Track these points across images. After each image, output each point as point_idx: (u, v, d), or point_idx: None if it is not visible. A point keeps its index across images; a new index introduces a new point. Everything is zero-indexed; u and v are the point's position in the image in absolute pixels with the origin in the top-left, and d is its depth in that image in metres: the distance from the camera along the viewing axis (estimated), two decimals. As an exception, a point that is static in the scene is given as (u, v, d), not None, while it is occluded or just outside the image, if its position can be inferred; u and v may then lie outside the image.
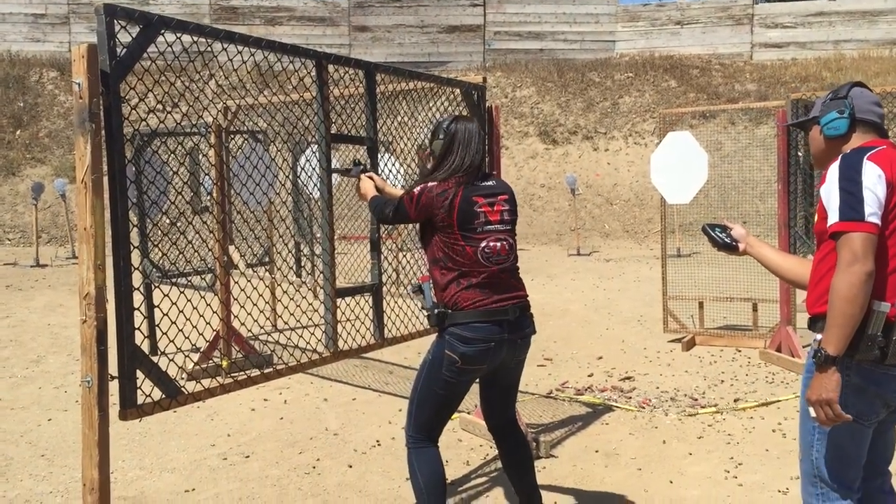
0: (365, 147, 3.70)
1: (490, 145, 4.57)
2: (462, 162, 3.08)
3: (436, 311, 3.06)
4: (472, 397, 5.38)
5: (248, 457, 4.48)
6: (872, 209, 2.25)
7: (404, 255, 6.23)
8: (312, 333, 3.77)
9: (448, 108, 4.69)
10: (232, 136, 6.63)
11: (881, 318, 2.25)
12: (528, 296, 3.30)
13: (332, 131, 3.48)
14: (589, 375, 6.26)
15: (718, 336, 7.24)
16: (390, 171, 7.38)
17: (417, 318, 4.26)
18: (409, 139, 4.61)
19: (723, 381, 5.99)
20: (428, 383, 3.11)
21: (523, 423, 4.54)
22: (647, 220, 16.67)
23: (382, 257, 4.40)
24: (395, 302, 4.41)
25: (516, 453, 3.35)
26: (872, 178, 2.28)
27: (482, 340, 3.01)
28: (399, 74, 3.78)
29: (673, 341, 7.28)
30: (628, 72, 20.85)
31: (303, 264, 8.63)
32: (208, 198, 6.65)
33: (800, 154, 6.50)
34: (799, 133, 6.46)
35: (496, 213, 3.12)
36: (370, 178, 3.42)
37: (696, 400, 5.52)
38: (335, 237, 9.76)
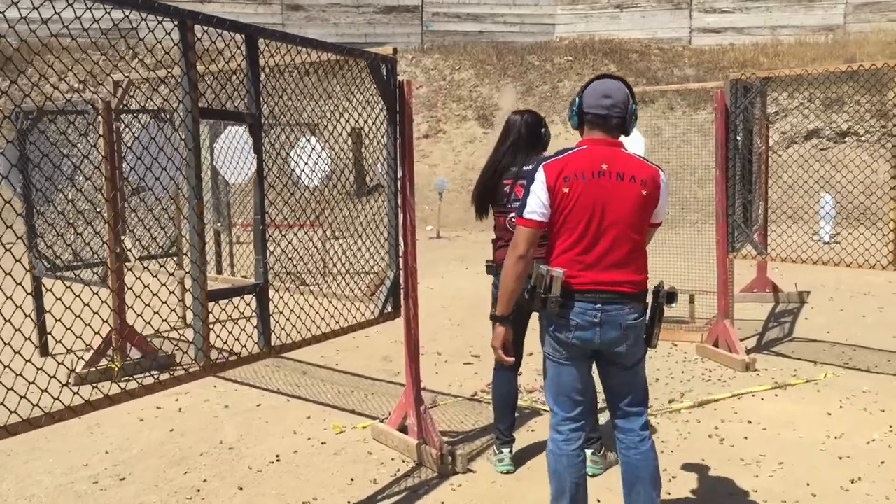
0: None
1: (401, 125, 4.08)
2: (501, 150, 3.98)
3: (488, 264, 4.06)
4: (387, 402, 5.01)
5: (123, 479, 3.94)
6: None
7: (332, 244, 5.73)
8: (230, 331, 3.24)
9: (357, 82, 4.20)
10: (134, 115, 6.03)
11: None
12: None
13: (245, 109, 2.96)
14: (518, 374, 5.83)
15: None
16: (311, 152, 6.83)
17: (323, 319, 3.77)
18: (321, 117, 4.12)
19: (658, 378, 5.63)
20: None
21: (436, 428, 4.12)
22: (587, 206, 16.42)
23: (311, 245, 3.93)
24: (303, 301, 3.92)
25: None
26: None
27: None
28: (287, 41, 3.26)
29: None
30: (568, 55, 20.52)
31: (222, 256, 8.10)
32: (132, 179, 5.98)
33: (738, 139, 6.16)
34: (738, 117, 6.12)
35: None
36: None
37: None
38: (240, 226, 9.09)
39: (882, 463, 4.03)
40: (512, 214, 3.55)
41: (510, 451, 4.09)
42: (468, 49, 20.94)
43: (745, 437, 4.43)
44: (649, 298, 3.02)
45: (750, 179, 6.74)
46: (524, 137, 3.97)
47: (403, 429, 4.33)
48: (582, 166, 2.87)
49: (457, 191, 17.30)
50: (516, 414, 4.24)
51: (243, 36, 3.08)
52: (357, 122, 4.16)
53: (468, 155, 18.38)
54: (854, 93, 16.44)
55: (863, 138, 16.71)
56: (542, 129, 4.11)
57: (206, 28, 2.88)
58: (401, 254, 4.14)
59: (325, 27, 20.98)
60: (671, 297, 3.00)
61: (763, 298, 8.30)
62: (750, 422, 4.70)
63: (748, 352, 6.12)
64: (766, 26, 20.78)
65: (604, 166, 2.88)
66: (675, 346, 6.57)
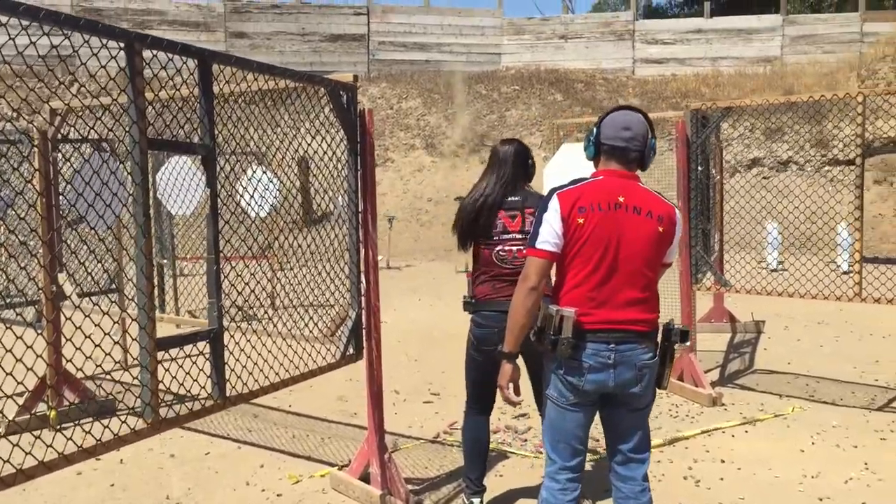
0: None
1: (362, 154, 3.87)
2: (490, 180, 3.79)
3: (465, 300, 3.82)
4: (345, 446, 4.73)
5: (59, 545, 3.59)
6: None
7: (284, 274, 5.46)
8: (181, 382, 2.95)
9: (315, 111, 3.97)
10: (73, 144, 5.68)
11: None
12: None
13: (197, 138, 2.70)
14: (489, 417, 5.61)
15: (616, 362, 6.76)
16: (259, 182, 6.54)
17: (282, 365, 3.51)
18: (277, 147, 3.87)
19: (625, 415, 5.46)
20: (466, 359, 3.90)
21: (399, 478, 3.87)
22: (536, 234, 16.37)
23: (257, 280, 3.66)
24: (258, 342, 3.64)
25: None
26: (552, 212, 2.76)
27: (488, 326, 3.64)
28: (243, 67, 3.02)
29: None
30: (514, 85, 20.62)
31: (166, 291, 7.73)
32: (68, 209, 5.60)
33: (699, 169, 6.10)
34: (698, 147, 6.07)
35: (517, 224, 3.68)
36: None
37: (598, 441, 4.96)
38: (185, 259, 8.73)
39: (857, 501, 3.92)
40: (499, 247, 3.63)
41: (481, 502, 3.86)
42: (415, 78, 20.90)
43: (721, 479, 4.28)
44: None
45: (708, 208, 6.70)
46: (513, 168, 3.79)
47: (365, 477, 4.06)
48: (598, 197, 2.74)
49: (406, 220, 17.11)
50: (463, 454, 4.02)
51: (196, 61, 2.84)
52: (306, 150, 3.93)
53: (416, 184, 18.24)
54: (793, 123, 16.79)
55: (803, 167, 17.06)
56: (530, 161, 3.94)
57: (154, 53, 2.63)
58: (363, 292, 3.91)
59: (270, 55, 20.71)
60: (684, 335, 2.85)
61: (720, 329, 8.26)
62: (723, 461, 4.56)
63: (713, 385, 6.01)
64: (706, 57, 21.21)
65: (621, 199, 2.75)
66: (638, 379, 6.42)
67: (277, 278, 7.13)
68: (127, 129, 2.56)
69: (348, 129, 3.79)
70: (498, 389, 2.96)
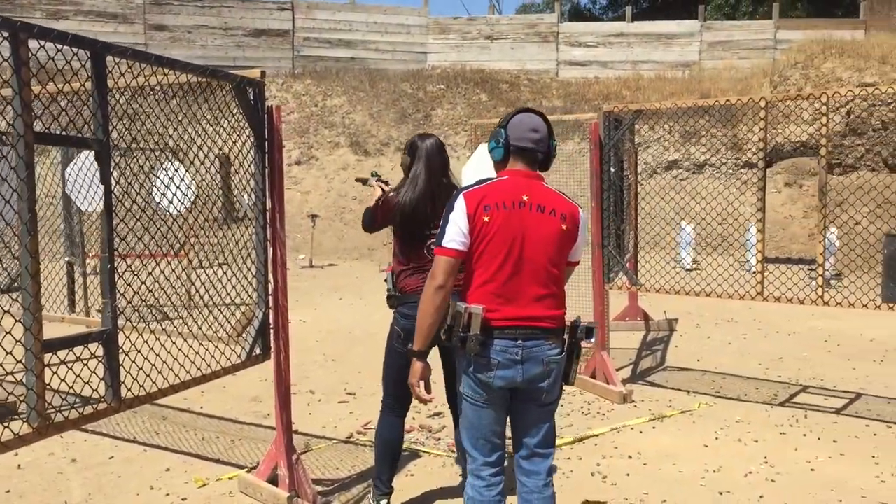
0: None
1: (270, 152, 3.81)
2: (422, 176, 3.74)
3: (389, 293, 3.80)
4: (256, 448, 4.64)
5: (-56, 556, 3.43)
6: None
7: (200, 273, 5.32)
8: (70, 384, 2.83)
9: (223, 106, 3.89)
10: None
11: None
12: None
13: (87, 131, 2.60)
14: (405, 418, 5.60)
15: (532, 361, 6.83)
16: (180, 179, 6.39)
17: (182, 366, 3.42)
18: (197, 144, 3.77)
19: (538, 413, 5.53)
20: (386, 355, 3.89)
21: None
22: (460, 233, 16.41)
23: (176, 276, 3.55)
24: (160, 343, 3.53)
25: None
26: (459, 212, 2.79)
27: (414, 317, 3.22)
28: (140, 60, 2.93)
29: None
30: (440, 84, 20.64)
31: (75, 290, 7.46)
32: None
33: (612, 170, 6.21)
34: (611, 149, 6.17)
35: None
36: (380, 187, 3.93)
37: (509, 438, 5.00)
38: (95, 257, 8.42)
39: (761, 497, 4.04)
40: (431, 241, 3.54)
41: None
42: (340, 75, 20.73)
43: (628, 474, 4.36)
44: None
45: (622, 209, 6.83)
46: (440, 161, 3.83)
47: (274, 479, 4.00)
48: (503, 196, 2.79)
49: (330, 219, 16.96)
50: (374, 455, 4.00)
51: (88, 53, 2.74)
52: (222, 147, 3.85)
53: (341, 182, 18.08)
54: (710, 126, 17.28)
55: (719, 169, 17.55)
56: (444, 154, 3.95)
57: (42, 43, 2.53)
58: (270, 291, 3.84)
59: (192, 49, 20.25)
60: (589, 332, 2.89)
61: (635, 327, 8.43)
62: (631, 457, 4.65)
63: (624, 382, 6.13)
64: (627, 61, 21.63)
65: (525, 197, 2.80)
66: (553, 377, 6.50)
67: (189, 277, 6.99)
68: (11, 122, 2.45)
69: (256, 126, 3.73)
70: (410, 388, 2.97)
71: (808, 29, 20.38)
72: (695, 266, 12.85)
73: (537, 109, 2.99)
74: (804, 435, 5.04)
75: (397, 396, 3.81)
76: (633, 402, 5.78)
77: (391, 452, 3.84)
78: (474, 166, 6.79)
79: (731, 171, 17.36)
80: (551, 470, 2.98)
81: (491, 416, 2.87)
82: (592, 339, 2.96)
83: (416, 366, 2.91)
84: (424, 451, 4.76)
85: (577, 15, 30.37)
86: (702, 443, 4.89)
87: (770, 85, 18.50)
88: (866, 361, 7.09)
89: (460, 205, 2.78)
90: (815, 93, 5.28)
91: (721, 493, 4.10)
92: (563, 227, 2.83)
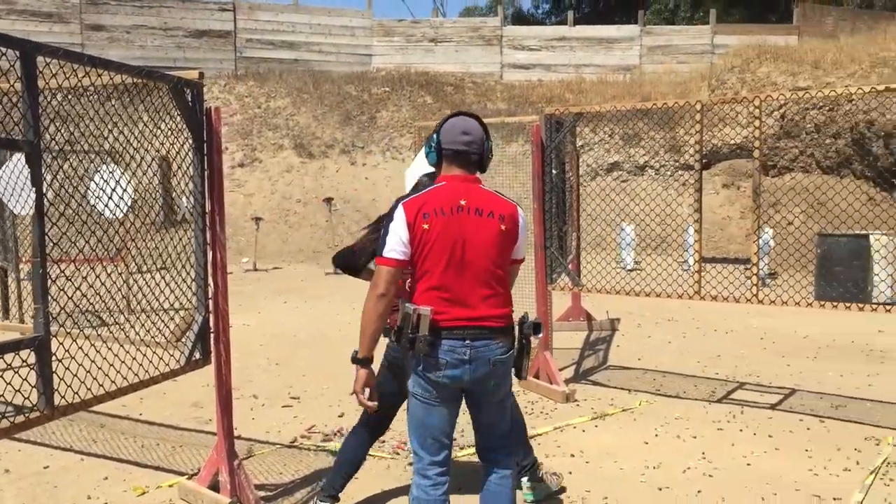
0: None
1: (209, 154, 3.76)
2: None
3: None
4: (198, 454, 4.57)
5: None
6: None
7: (140, 278, 5.21)
8: (9, 382, 2.75)
9: (164, 108, 3.83)
10: None
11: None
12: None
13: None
14: (340, 416, 5.59)
15: (477, 362, 6.86)
16: (115, 182, 6.26)
17: (119, 371, 3.35)
18: (134, 146, 3.68)
19: (482, 414, 5.57)
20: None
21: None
22: (406, 236, 16.41)
23: (113, 281, 3.46)
24: (96, 349, 3.45)
25: None
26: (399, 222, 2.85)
27: None
28: (72, 60, 2.87)
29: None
30: (385, 86, 20.62)
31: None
32: None
33: (554, 172, 6.28)
34: (552, 151, 6.25)
35: None
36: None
37: (456, 440, 5.02)
38: (28, 261, 8.26)
39: (699, 492, 4.13)
40: None
41: None
42: (284, 77, 20.56)
43: (570, 472, 4.41)
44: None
45: (564, 211, 6.91)
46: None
47: (215, 486, 3.95)
48: (441, 202, 2.86)
49: (274, 221, 16.80)
50: (334, 461, 4.00)
51: (17, 53, 2.68)
52: (159, 150, 3.80)
53: (285, 185, 17.93)
54: (650, 129, 17.60)
55: (659, 172, 17.89)
56: None
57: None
58: (210, 295, 3.79)
59: (130, 49, 19.87)
60: (537, 327, 2.97)
61: (578, 327, 8.54)
62: (573, 455, 4.72)
63: (567, 382, 6.21)
64: (570, 64, 21.89)
65: (462, 202, 2.87)
66: (498, 378, 6.55)
67: (127, 282, 6.86)
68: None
69: (194, 128, 3.68)
70: (354, 395, 2.98)
71: (744, 34, 20.91)
72: (636, 266, 13.07)
73: (471, 112, 3.05)
74: (741, 430, 5.17)
75: (378, 417, 3.76)
76: (575, 401, 5.86)
77: (353, 468, 3.89)
78: (418, 170, 6.81)
79: (670, 173, 17.71)
80: (511, 462, 3.07)
81: (439, 416, 2.91)
82: (540, 334, 3.03)
83: (361, 373, 2.93)
84: (370, 455, 4.73)
85: (520, 19, 30.64)
86: (642, 440, 4.98)
87: (708, 88, 18.92)
88: (800, 358, 7.31)
89: (399, 214, 2.84)
90: (749, 96, 5.42)
91: (660, 489, 4.18)
92: (503, 227, 2.88)
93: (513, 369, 2.98)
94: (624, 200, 13.18)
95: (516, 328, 2.97)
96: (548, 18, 31.91)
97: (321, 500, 3.82)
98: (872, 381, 6.47)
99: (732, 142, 15.93)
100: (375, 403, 2.99)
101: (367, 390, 2.95)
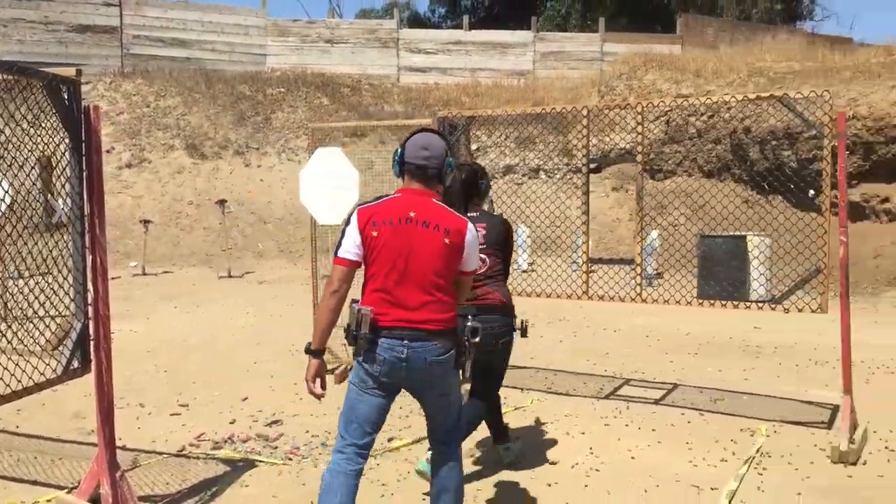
0: None
1: (88, 154, 3.62)
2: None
3: None
4: (79, 466, 4.36)
5: None
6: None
7: (15, 283, 4.97)
8: None
9: (45, 105, 3.66)
10: None
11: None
12: (494, 298, 4.24)
13: None
14: (231, 422, 5.47)
15: (372, 364, 6.86)
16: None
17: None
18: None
19: (377, 416, 5.58)
20: None
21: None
22: (303, 238, 16.17)
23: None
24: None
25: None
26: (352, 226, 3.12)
27: None
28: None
29: (326, 373, 6.73)
30: (280, 87, 20.33)
31: None
32: None
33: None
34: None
35: None
36: None
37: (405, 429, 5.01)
38: None
39: (586, 486, 4.26)
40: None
41: None
42: (174, 75, 19.98)
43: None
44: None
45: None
46: (462, 191, 4.21)
47: (96, 499, 3.81)
48: (391, 213, 3.10)
49: (164, 224, 16.30)
50: (225, 468, 3.92)
51: None
52: (39, 150, 3.64)
53: (176, 186, 17.42)
54: (543, 133, 18.00)
55: (551, 174, 18.31)
56: (481, 181, 4.43)
57: None
58: (90, 300, 3.66)
59: (8, 44, 18.91)
60: (474, 332, 3.17)
61: (473, 328, 8.63)
62: (467, 455, 4.76)
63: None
64: (466, 68, 22.15)
65: (412, 214, 3.09)
66: (393, 380, 6.57)
67: (5, 287, 6.54)
68: None
69: (71, 127, 3.54)
70: (305, 384, 3.17)
71: (631, 43, 21.65)
72: (530, 268, 13.32)
73: (435, 130, 3.35)
74: (626, 425, 5.36)
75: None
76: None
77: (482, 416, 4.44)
78: (312, 171, 6.75)
79: (562, 176, 18.15)
80: (458, 452, 3.32)
81: (369, 406, 3.12)
82: (477, 338, 3.19)
83: (312, 363, 3.15)
84: (261, 461, 4.68)
85: (417, 22, 30.78)
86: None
87: (598, 94, 19.50)
88: (682, 355, 7.63)
89: (354, 220, 3.12)
90: (632, 103, 5.63)
91: (549, 485, 4.29)
92: (446, 241, 3.09)
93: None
94: (518, 203, 13.46)
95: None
96: (444, 22, 32.17)
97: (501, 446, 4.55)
98: (748, 375, 6.83)
99: (622, 146, 16.47)
100: (323, 392, 3.20)
101: (318, 380, 3.16)
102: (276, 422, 5.46)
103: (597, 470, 4.52)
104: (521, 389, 6.28)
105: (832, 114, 4.93)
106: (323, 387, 3.18)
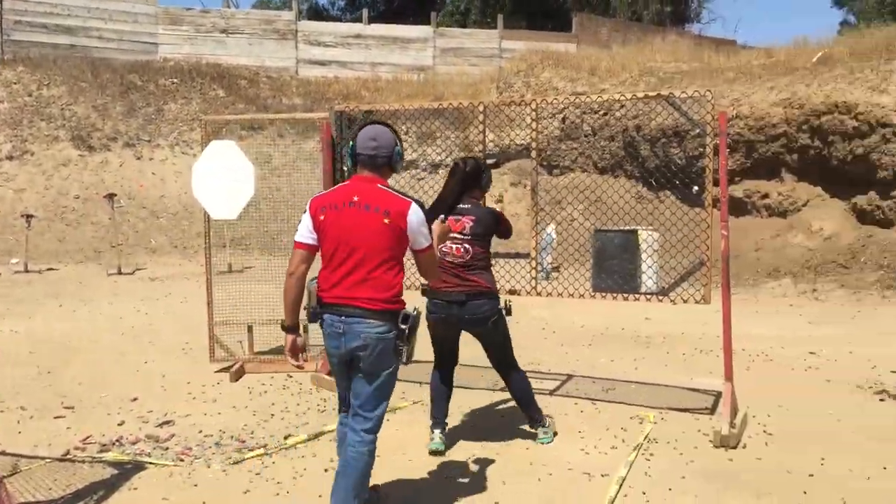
0: None
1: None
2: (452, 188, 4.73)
3: (421, 287, 4.60)
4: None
5: None
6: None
7: None
8: None
9: None
10: None
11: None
12: (480, 284, 4.68)
13: None
14: (119, 424, 5.29)
15: (269, 362, 6.76)
16: None
17: None
18: None
19: (273, 414, 5.50)
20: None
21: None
22: (198, 233, 15.73)
23: None
24: None
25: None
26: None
27: (433, 312, 4.70)
28: None
29: (221, 371, 6.62)
30: (173, 77, 19.70)
31: None
32: None
33: (345, 168, 6.30)
34: (343, 147, 6.27)
35: (460, 226, 4.61)
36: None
37: (244, 442, 4.93)
38: None
39: (484, 478, 4.32)
40: (450, 245, 4.59)
41: None
42: (59, 63, 19.08)
43: (360, 467, 4.46)
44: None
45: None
46: (461, 183, 4.68)
47: (-28, 509, 3.62)
48: (338, 199, 3.45)
49: (49, 219, 15.58)
50: (113, 470, 3.79)
51: None
52: None
53: (61, 179, 16.67)
54: (444, 128, 18.11)
55: (453, 170, 18.41)
56: (483, 175, 4.82)
57: None
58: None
59: None
60: (405, 318, 3.43)
61: (372, 323, 8.61)
62: (363, 450, 4.76)
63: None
64: (366, 62, 22.03)
65: (355, 198, 3.41)
66: (291, 377, 6.50)
67: None
68: None
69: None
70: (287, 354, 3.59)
71: (529, 40, 22.01)
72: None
73: (384, 122, 3.58)
74: (522, 416, 5.45)
75: (445, 355, 5.00)
76: (367, 396, 5.91)
77: (444, 398, 4.95)
78: (206, 164, 6.59)
79: (463, 171, 18.29)
80: (371, 429, 3.53)
81: (338, 374, 3.55)
82: (405, 326, 3.42)
83: (287, 339, 3.58)
84: (151, 463, 4.54)
85: (316, 14, 30.36)
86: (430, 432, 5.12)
87: (497, 91, 19.75)
88: (577, 346, 7.83)
89: (307, 207, 3.49)
90: (528, 99, 5.73)
91: (446, 478, 4.33)
92: (385, 221, 3.36)
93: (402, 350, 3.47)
94: (419, 197, 13.45)
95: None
96: (343, 15, 31.87)
97: (434, 428, 4.72)
98: (638, 364, 7.07)
99: (519, 143, 16.73)
100: (303, 363, 3.72)
101: (299, 354, 3.59)
102: (167, 422, 5.32)
103: (493, 461, 4.59)
104: (419, 383, 6.29)
105: (715, 113, 5.15)
106: (298, 359, 3.60)
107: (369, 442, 3.49)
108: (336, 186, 3.59)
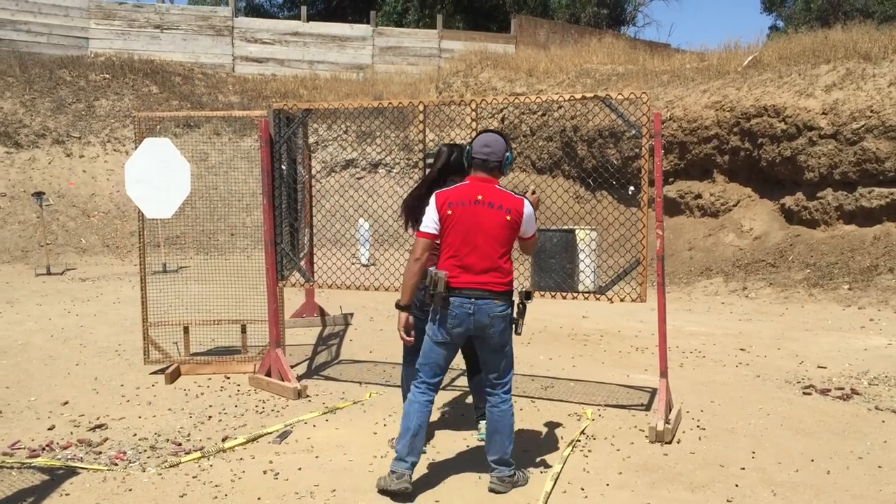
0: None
1: None
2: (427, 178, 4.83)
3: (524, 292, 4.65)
4: None
5: None
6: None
7: None
8: None
9: None
10: None
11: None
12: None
13: None
14: (50, 429, 5.14)
15: (206, 363, 6.64)
16: None
17: None
18: None
19: (210, 416, 5.41)
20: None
21: None
22: (131, 233, 15.38)
23: None
24: None
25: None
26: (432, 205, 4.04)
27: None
28: None
29: (156, 373, 6.48)
30: (105, 73, 19.19)
31: None
32: None
33: (284, 168, 6.24)
34: (283, 146, 6.20)
35: None
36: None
37: (180, 445, 4.83)
38: None
39: (425, 475, 4.32)
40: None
41: None
42: (-17, 57, 18.40)
43: (300, 469, 4.42)
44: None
45: (296, 207, 6.89)
46: (451, 166, 4.67)
47: None
48: (463, 196, 3.99)
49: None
50: (43, 476, 3.68)
51: None
52: None
53: (-14, 177, 16.06)
54: (384, 127, 18.06)
55: (392, 169, 18.39)
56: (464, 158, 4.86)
57: None
58: None
59: None
60: (528, 294, 4.10)
61: (312, 323, 8.56)
62: (304, 451, 4.72)
63: (300, 378, 6.20)
64: (304, 60, 21.82)
65: (479, 197, 3.97)
66: (228, 378, 6.40)
67: None
68: None
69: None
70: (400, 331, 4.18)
71: (468, 41, 22.10)
72: (372, 262, 13.34)
73: (497, 130, 4.01)
74: (461, 415, 5.49)
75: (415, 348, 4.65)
76: (307, 397, 5.87)
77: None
78: (139, 162, 6.44)
79: (403, 170, 18.28)
80: (507, 391, 4.15)
81: (441, 353, 4.04)
82: (530, 300, 4.13)
83: (401, 316, 4.15)
84: (83, 468, 4.42)
85: (253, 10, 29.93)
86: (371, 431, 5.11)
87: (436, 90, 19.78)
88: (516, 344, 7.78)
89: (433, 201, 4.03)
90: (467, 99, 5.76)
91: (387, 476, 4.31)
92: (508, 217, 3.96)
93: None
94: (360, 196, 13.40)
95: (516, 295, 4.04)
96: (281, 12, 31.50)
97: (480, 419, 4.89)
98: (576, 362, 7.17)
99: (460, 142, 16.77)
100: (412, 338, 4.21)
101: (411, 331, 4.17)
102: (100, 426, 5.19)
103: (434, 461, 4.59)
104: (360, 383, 6.29)
105: (650, 115, 5.26)
106: (410, 335, 4.17)
107: (509, 399, 4.11)
108: (456, 185, 4.05)
